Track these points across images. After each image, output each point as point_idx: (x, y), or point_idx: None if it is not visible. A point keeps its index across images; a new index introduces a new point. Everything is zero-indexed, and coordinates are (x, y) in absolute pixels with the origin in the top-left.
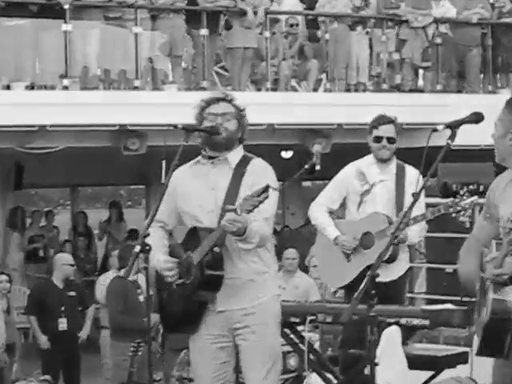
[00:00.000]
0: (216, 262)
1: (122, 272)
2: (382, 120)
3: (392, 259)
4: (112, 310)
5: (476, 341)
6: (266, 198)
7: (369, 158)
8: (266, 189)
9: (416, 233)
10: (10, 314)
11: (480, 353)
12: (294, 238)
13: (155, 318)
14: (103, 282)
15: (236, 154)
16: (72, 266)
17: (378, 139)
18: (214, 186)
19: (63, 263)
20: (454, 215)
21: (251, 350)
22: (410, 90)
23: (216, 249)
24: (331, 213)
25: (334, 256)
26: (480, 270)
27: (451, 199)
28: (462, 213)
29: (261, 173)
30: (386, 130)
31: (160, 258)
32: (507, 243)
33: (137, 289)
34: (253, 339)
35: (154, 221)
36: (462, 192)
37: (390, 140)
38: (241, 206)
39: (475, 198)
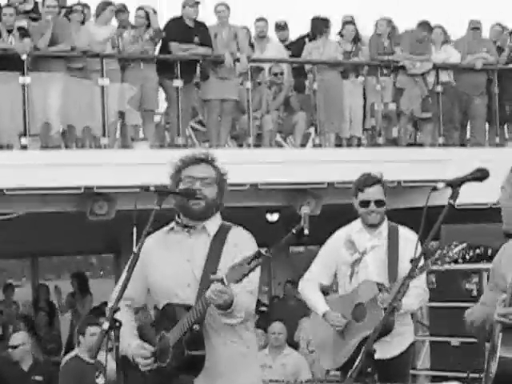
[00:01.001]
0: (196, 342)
1: (82, 350)
2: (367, 181)
3: (386, 331)
4: None
5: None
6: (258, 265)
7: (357, 224)
8: (256, 255)
9: (413, 299)
10: None
11: None
12: (281, 310)
13: None
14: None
15: (214, 222)
16: (15, 347)
17: (365, 204)
18: (190, 257)
19: (13, 345)
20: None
21: None
22: (409, 144)
23: (196, 327)
24: (326, 292)
25: (328, 335)
26: (489, 335)
27: (439, 251)
28: (451, 263)
29: (243, 243)
30: (372, 193)
31: (131, 343)
32: None
33: (96, 370)
34: None
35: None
36: (467, 257)
37: (379, 203)
38: (228, 276)
39: (464, 245)
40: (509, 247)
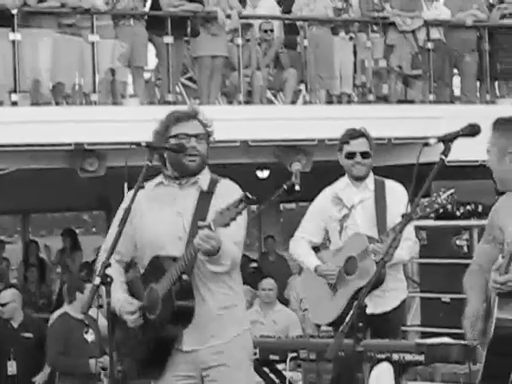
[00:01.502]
0: (186, 292)
1: (71, 307)
2: (352, 134)
3: (378, 284)
4: (51, 350)
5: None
6: (244, 208)
7: (343, 180)
8: (243, 198)
9: (404, 250)
10: None
11: (482, 380)
12: (272, 266)
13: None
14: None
15: (205, 176)
16: (4, 305)
17: (351, 155)
18: (181, 210)
19: (2, 302)
20: (452, 239)
21: None
22: (399, 101)
23: (185, 277)
24: (316, 248)
25: (319, 291)
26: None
27: (427, 199)
28: (440, 210)
29: (230, 195)
30: (358, 145)
31: (120, 298)
32: (510, 250)
33: (84, 327)
34: (224, 380)
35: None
36: (458, 213)
37: (364, 155)
38: (215, 221)
39: (452, 190)
40: (505, 200)
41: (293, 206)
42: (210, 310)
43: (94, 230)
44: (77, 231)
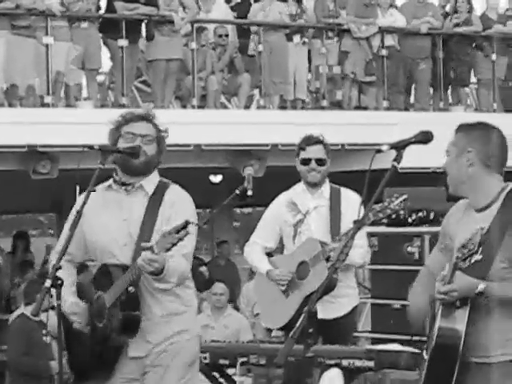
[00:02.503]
0: (132, 303)
1: (29, 309)
2: (309, 140)
3: (329, 289)
4: (12, 351)
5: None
6: (186, 235)
7: (299, 186)
8: (185, 225)
9: (358, 253)
10: None
11: None
12: (221, 271)
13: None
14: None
15: (152, 180)
16: None
17: (306, 161)
18: (127, 216)
19: None
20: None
21: None
22: (353, 108)
23: (131, 288)
24: (269, 254)
25: (271, 295)
26: (430, 305)
27: (380, 204)
28: (393, 215)
29: (179, 204)
30: (314, 151)
31: (67, 300)
32: (454, 261)
33: (42, 329)
34: (155, 380)
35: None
36: (410, 220)
37: (320, 162)
38: (158, 244)
39: (405, 196)
40: (457, 209)
41: (250, 210)
42: (157, 318)
43: (50, 231)
44: (33, 232)
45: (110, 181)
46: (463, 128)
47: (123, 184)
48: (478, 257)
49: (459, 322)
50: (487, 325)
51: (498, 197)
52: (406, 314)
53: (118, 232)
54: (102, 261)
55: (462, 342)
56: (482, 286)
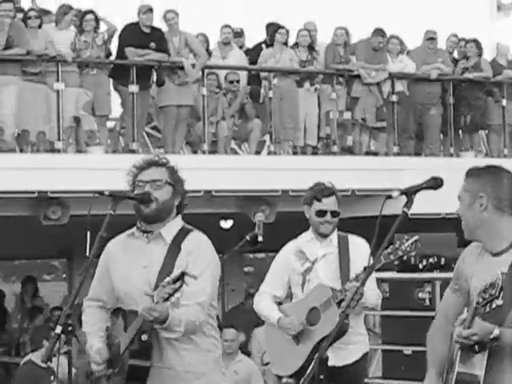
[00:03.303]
0: (143, 352)
1: (35, 355)
2: (325, 192)
3: (340, 335)
4: None
5: None
6: (181, 286)
7: (307, 234)
8: (181, 276)
9: (372, 294)
10: None
11: None
12: (234, 316)
13: None
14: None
15: (172, 227)
16: None
17: (322, 213)
18: (147, 263)
19: None
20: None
21: None
22: (363, 153)
23: (144, 336)
24: (279, 303)
25: (282, 342)
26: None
27: (391, 246)
28: (405, 256)
29: (196, 252)
30: (329, 203)
31: (94, 345)
32: (475, 306)
33: (50, 376)
34: None
35: (91, 299)
36: (421, 266)
37: (334, 213)
38: (157, 294)
39: (416, 237)
40: (471, 251)
41: (263, 255)
42: (175, 367)
43: (64, 276)
44: (47, 278)
45: (133, 229)
46: (473, 172)
47: (144, 232)
48: (499, 302)
49: (478, 367)
50: (502, 372)
51: None
52: (419, 357)
53: (139, 279)
54: (127, 307)
55: None
56: (496, 332)
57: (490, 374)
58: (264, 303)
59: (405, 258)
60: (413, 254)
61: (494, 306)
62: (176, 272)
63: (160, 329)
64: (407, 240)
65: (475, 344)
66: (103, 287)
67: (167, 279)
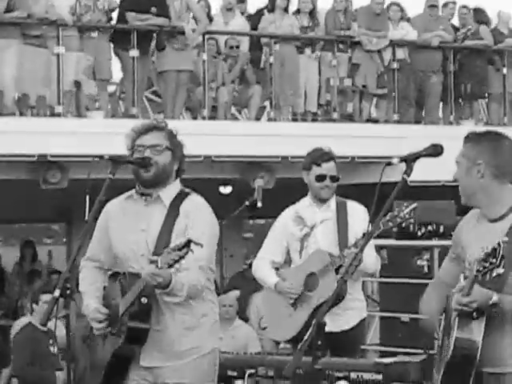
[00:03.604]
0: (142, 314)
1: (35, 318)
2: (324, 157)
3: (338, 300)
4: (18, 360)
5: None
6: (187, 253)
7: (306, 200)
8: (187, 243)
9: (372, 259)
10: None
11: None
12: (233, 282)
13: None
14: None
15: (170, 190)
16: None
17: (321, 178)
18: (145, 227)
19: None
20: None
21: None
22: (364, 120)
23: (144, 299)
24: (277, 269)
25: (279, 307)
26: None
27: (390, 213)
28: (404, 224)
29: (194, 214)
30: (328, 168)
31: (91, 304)
32: (474, 274)
33: (49, 339)
34: None
35: (88, 259)
36: (419, 233)
37: (333, 178)
38: (162, 259)
39: (415, 205)
40: (469, 220)
41: (263, 221)
42: (171, 330)
43: (64, 240)
44: (48, 241)
45: (132, 191)
46: (472, 138)
47: (142, 194)
48: (500, 270)
49: (476, 333)
50: (501, 336)
51: None
52: (417, 325)
53: (136, 242)
54: (123, 269)
55: (478, 352)
56: (495, 298)
57: (489, 339)
58: (263, 268)
59: (403, 225)
60: (411, 221)
61: (494, 274)
62: (182, 239)
63: (162, 293)
64: (406, 207)
65: (474, 311)
66: (101, 246)
67: (172, 245)
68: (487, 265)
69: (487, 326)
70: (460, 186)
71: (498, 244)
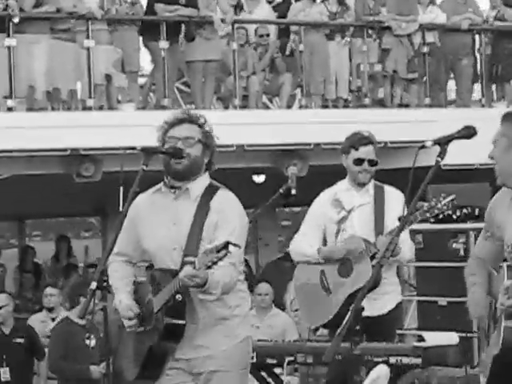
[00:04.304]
0: (177, 311)
1: (72, 312)
2: (362, 141)
3: (374, 286)
4: (52, 354)
5: (485, 373)
6: (226, 254)
7: (344, 183)
8: (225, 245)
9: (407, 248)
10: None
11: None
12: (269, 271)
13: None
14: (31, 323)
15: (199, 184)
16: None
17: (359, 162)
18: (176, 220)
19: None
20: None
21: None
22: (396, 105)
23: (178, 296)
24: None
25: (312, 292)
26: (489, 294)
27: (427, 203)
28: (440, 215)
29: (226, 211)
30: (366, 152)
31: (123, 301)
32: None
33: (85, 333)
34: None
35: (117, 254)
36: (455, 216)
37: (371, 162)
38: (199, 261)
39: (453, 196)
40: (502, 199)
41: (298, 209)
42: (205, 323)
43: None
44: (86, 235)
45: (161, 184)
46: (510, 118)
47: (171, 187)
48: None
49: None
50: None
51: None
52: (454, 308)
53: (168, 236)
54: (156, 265)
55: None
56: None
57: None
58: (301, 245)
59: (440, 216)
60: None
61: None
62: (220, 241)
63: (198, 291)
64: (444, 198)
65: None
66: (130, 241)
67: (210, 247)
68: None
69: None
70: (498, 166)
71: None
